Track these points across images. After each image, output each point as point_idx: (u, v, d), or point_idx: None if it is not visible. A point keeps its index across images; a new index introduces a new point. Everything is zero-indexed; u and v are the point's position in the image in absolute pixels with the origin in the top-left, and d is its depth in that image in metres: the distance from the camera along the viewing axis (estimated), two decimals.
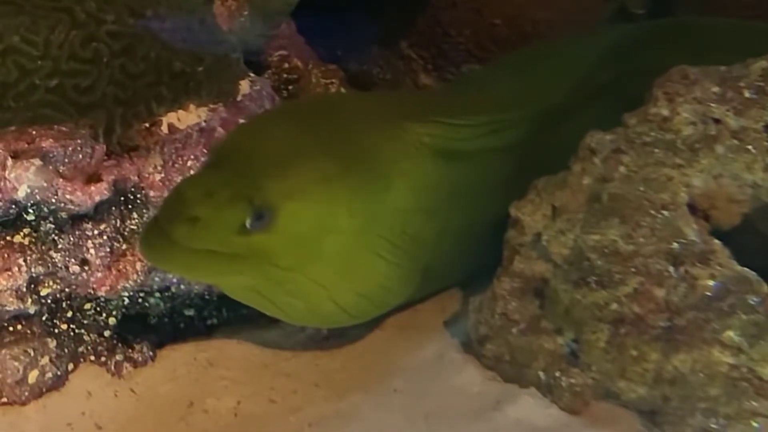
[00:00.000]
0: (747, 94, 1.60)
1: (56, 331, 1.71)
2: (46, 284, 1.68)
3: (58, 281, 1.68)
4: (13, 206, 1.63)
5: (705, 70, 1.65)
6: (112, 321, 1.74)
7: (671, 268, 1.53)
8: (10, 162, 1.60)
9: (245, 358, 1.77)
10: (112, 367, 1.73)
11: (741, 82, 1.61)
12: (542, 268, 1.66)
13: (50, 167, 1.63)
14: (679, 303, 1.52)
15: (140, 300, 1.75)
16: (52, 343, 1.69)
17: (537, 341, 1.63)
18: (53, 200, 1.64)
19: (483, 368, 1.70)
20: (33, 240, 1.66)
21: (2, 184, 1.61)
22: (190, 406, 1.67)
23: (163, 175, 1.73)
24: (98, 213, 1.69)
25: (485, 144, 1.84)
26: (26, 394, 1.67)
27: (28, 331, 1.68)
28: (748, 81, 1.61)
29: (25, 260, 1.65)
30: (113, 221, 1.71)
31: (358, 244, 1.68)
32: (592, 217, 1.61)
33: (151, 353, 1.77)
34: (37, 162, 1.61)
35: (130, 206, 1.72)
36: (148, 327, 1.78)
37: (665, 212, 1.56)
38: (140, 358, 1.75)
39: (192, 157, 1.76)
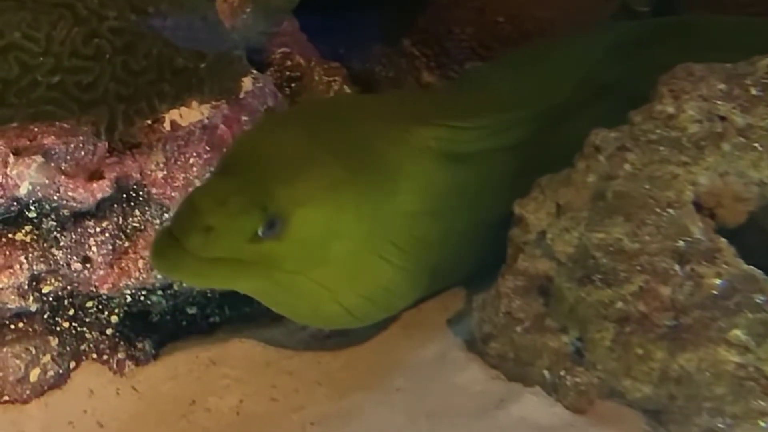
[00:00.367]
0: (753, 92, 1.60)
1: (58, 329, 1.70)
2: (48, 282, 1.67)
3: (59, 279, 1.68)
4: (15, 203, 1.63)
5: (711, 67, 1.64)
6: (114, 319, 1.74)
7: (677, 267, 1.53)
8: (11, 159, 1.60)
9: (247, 357, 1.77)
10: (114, 365, 1.73)
11: (747, 80, 1.61)
12: (546, 266, 1.66)
13: (52, 164, 1.63)
14: (685, 301, 1.52)
15: (142, 298, 1.74)
16: (53, 341, 1.69)
17: (541, 340, 1.63)
18: (55, 197, 1.64)
19: (487, 367, 1.70)
20: (35, 237, 1.65)
21: (4, 181, 1.60)
22: (192, 405, 1.67)
23: (165, 172, 1.73)
24: (100, 210, 1.69)
25: (490, 145, 1.84)
26: (28, 392, 1.66)
27: (30, 329, 1.68)
28: (754, 78, 1.61)
29: (26, 258, 1.64)
30: (115, 219, 1.71)
31: (364, 248, 1.68)
32: (597, 215, 1.60)
33: (153, 351, 1.76)
34: (39, 159, 1.61)
35: (132, 203, 1.72)
36: (150, 325, 1.77)
37: (671, 210, 1.56)
38: (142, 356, 1.75)
39: (194, 154, 1.75)
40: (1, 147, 1.61)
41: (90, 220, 1.69)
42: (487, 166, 1.84)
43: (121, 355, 1.73)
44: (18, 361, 1.65)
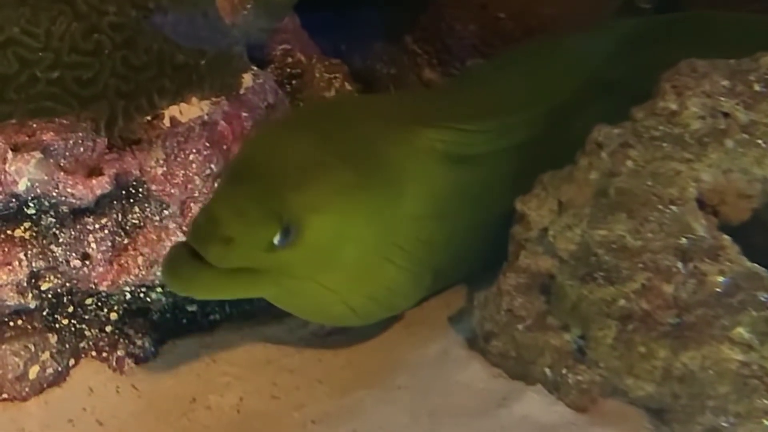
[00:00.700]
0: (757, 88, 1.60)
1: (57, 326, 1.69)
2: (47, 279, 1.67)
3: (59, 276, 1.67)
4: (14, 200, 1.62)
5: (714, 63, 1.64)
6: (113, 316, 1.73)
7: (680, 264, 1.53)
8: (10, 155, 1.59)
9: (248, 354, 1.76)
10: (114, 363, 1.72)
11: (751, 76, 1.61)
12: (548, 264, 1.65)
13: (51, 160, 1.62)
14: (688, 299, 1.51)
15: (142, 295, 1.74)
16: (53, 339, 1.68)
17: (543, 337, 1.62)
18: (54, 194, 1.63)
19: (488, 365, 1.69)
20: (34, 234, 1.64)
21: (2, 177, 1.59)
22: (192, 402, 1.67)
23: (165, 168, 1.72)
24: (99, 207, 1.68)
25: (495, 146, 1.83)
26: (27, 389, 1.66)
27: (29, 326, 1.67)
28: (757, 74, 1.61)
29: (25, 254, 1.63)
30: (115, 215, 1.70)
31: (371, 251, 1.69)
32: (599, 212, 1.60)
33: (153, 349, 1.76)
34: (38, 155, 1.60)
35: (131, 200, 1.71)
36: (150, 322, 1.77)
37: (673, 207, 1.55)
38: (142, 354, 1.74)
39: (194, 150, 1.74)
40: (0, 143, 1.60)
41: (89, 217, 1.68)
42: (491, 166, 1.84)
43: (120, 353, 1.72)
44: (17, 359, 1.64)
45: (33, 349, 1.65)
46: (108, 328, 1.73)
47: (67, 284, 1.68)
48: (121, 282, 1.70)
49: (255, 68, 1.90)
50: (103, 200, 1.68)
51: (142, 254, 1.70)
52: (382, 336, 1.82)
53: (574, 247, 1.61)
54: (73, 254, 1.67)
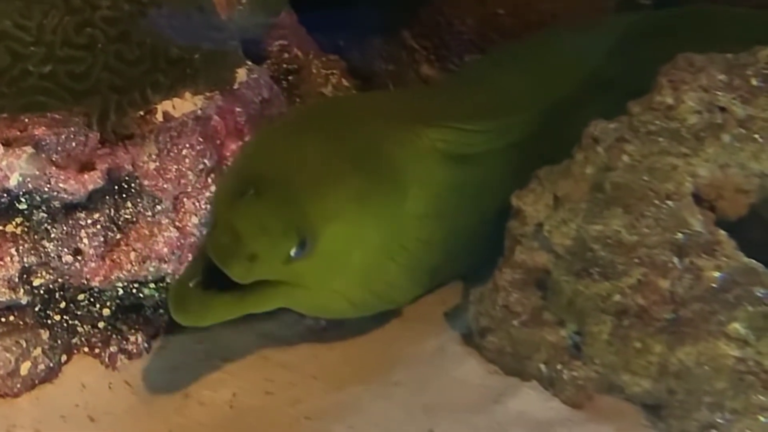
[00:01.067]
0: (754, 82, 1.59)
1: (49, 322, 1.69)
2: (39, 274, 1.66)
3: (51, 271, 1.67)
4: (5, 195, 1.61)
5: (711, 57, 1.63)
6: (106, 312, 1.72)
7: (676, 259, 1.52)
8: (1, 150, 1.58)
9: (242, 350, 1.76)
10: (106, 359, 1.72)
11: (748, 70, 1.60)
12: (544, 259, 1.65)
13: (43, 155, 1.61)
14: (684, 294, 1.51)
15: (135, 290, 1.73)
16: (44, 335, 1.68)
17: (539, 333, 1.62)
18: (46, 189, 1.62)
19: (484, 361, 1.69)
20: (25, 229, 1.64)
21: None
22: (185, 398, 1.66)
23: (157, 163, 1.71)
24: (92, 202, 1.67)
25: (495, 144, 1.83)
26: (18, 386, 1.65)
27: (21, 322, 1.66)
28: (755, 69, 1.60)
29: (17, 250, 1.63)
30: (107, 210, 1.69)
31: (377, 253, 1.69)
32: (595, 207, 1.59)
33: (145, 345, 1.75)
34: (30, 150, 1.59)
35: (124, 195, 1.71)
36: (142, 318, 1.76)
37: (670, 202, 1.55)
38: (135, 350, 1.74)
39: (187, 145, 1.73)
40: None
41: (81, 212, 1.67)
42: (491, 163, 1.84)
43: (113, 349, 1.72)
44: (8, 355, 1.64)
45: (25, 345, 1.65)
46: (100, 324, 1.72)
47: (59, 280, 1.68)
48: (113, 277, 1.69)
49: (249, 63, 1.89)
50: (95, 195, 1.67)
51: (134, 249, 1.69)
52: (378, 332, 1.81)
53: (569, 242, 1.61)
54: (65, 250, 1.66)
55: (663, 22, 2.13)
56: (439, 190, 1.77)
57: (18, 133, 1.61)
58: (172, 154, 1.72)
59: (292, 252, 1.56)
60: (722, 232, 1.53)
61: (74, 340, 1.71)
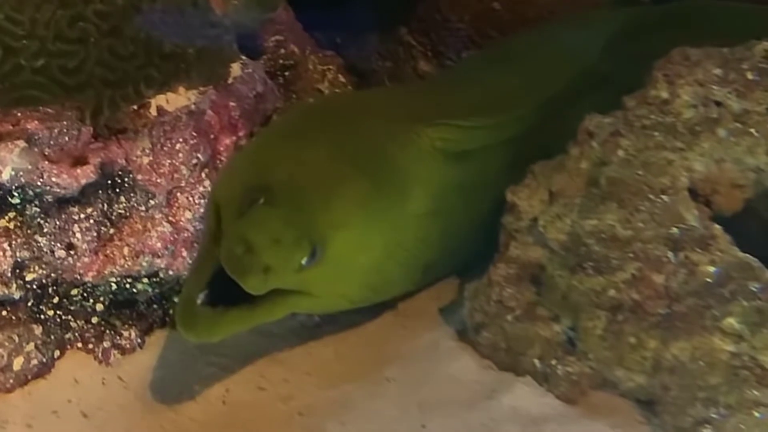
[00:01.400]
0: (750, 76, 1.58)
1: (42, 317, 1.68)
2: (32, 269, 1.65)
3: (43, 266, 1.66)
4: None
5: (707, 51, 1.63)
6: (99, 307, 1.72)
7: (670, 254, 1.51)
8: None
9: (235, 345, 1.74)
10: (100, 354, 1.71)
11: (744, 64, 1.60)
12: (538, 254, 1.64)
13: (35, 149, 1.60)
14: (679, 289, 1.50)
15: (128, 286, 1.72)
16: (37, 330, 1.67)
17: (533, 328, 1.61)
18: (39, 183, 1.61)
19: (478, 356, 1.69)
20: (18, 224, 1.63)
21: None
22: (178, 394, 1.65)
23: (151, 158, 1.71)
24: (85, 196, 1.67)
25: (493, 140, 1.83)
26: (11, 381, 1.65)
27: (14, 317, 1.66)
28: (751, 63, 1.59)
29: (9, 244, 1.62)
30: (100, 205, 1.69)
31: (380, 254, 1.69)
32: (590, 202, 1.59)
33: (139, 340, 1.75)
34: (22, 144, 1.59)
35: (117, 189, 1.70)
36: (136, 313, 1.75)
37: (665, 197, 1.54)
38: (128, 345, 1.73)
39: (181, 140, 1.73)
40: None
41: (74, 207, 1.66)
42: (488, 159, 1.83)
43: (106, 344, 1.71)
44: (1, 350, 1.63)
45: (17, 340, 1.64)
46: (94, 319, 1.72)
47: (52, 275, 1.67)
48: (106, 272, 1.69)
49: (244, 58, 1.89)
50: (88, 190, 1.66)
51: (128, 244, 1.69)
52: (371, 328, 1.81)
53: (564, 237, 1.60)
54: (58, 244, 1.66)
55: (660, 16, 2.12)
56: (438, 188, 1.77)
57: (10, 127, 1.60)
58: (165, 148, 1.72)
59: (304, 261, 1.56)
60: (717, 226, 1.52)
61: (67, 336, 1.71)
